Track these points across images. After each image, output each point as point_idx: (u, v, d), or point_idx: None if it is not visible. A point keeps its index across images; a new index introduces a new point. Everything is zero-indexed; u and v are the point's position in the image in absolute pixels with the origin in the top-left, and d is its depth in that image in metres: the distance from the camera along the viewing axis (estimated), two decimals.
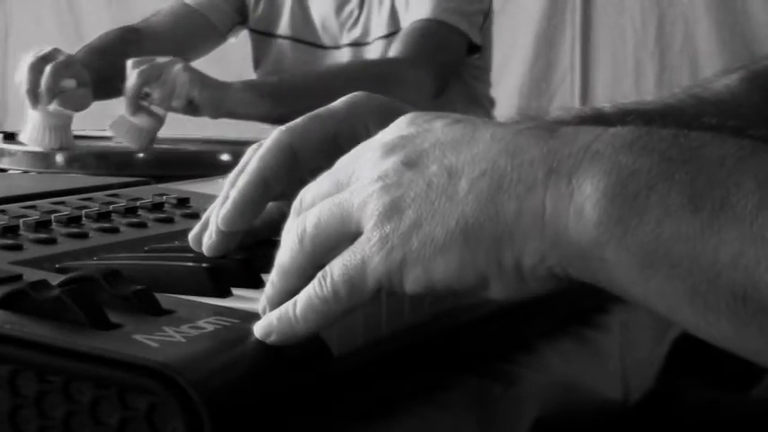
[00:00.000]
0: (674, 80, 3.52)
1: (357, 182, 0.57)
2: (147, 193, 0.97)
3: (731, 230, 0.47)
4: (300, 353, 0.58)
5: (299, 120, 0.72)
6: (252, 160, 0.71)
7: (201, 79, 1.78)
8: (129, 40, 2.10)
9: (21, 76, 1.78)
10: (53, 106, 1.76)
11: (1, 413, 0.52)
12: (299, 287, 0.58)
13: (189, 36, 2.18)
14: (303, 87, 1.90)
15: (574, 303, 0.85)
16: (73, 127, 1.79)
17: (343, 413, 0.59)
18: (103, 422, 0.50)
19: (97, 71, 1.90)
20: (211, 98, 1.77)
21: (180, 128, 1.94)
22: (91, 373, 0.51)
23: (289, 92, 1.87)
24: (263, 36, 2.22)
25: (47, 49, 1.83)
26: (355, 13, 2.12)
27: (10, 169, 1.62)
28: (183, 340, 0.54)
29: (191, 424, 0.49)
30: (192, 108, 1.77)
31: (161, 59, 1.77)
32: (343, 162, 0.59)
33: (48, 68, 1.77)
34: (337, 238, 0.57)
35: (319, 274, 0.57)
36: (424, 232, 0.54)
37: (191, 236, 0.73)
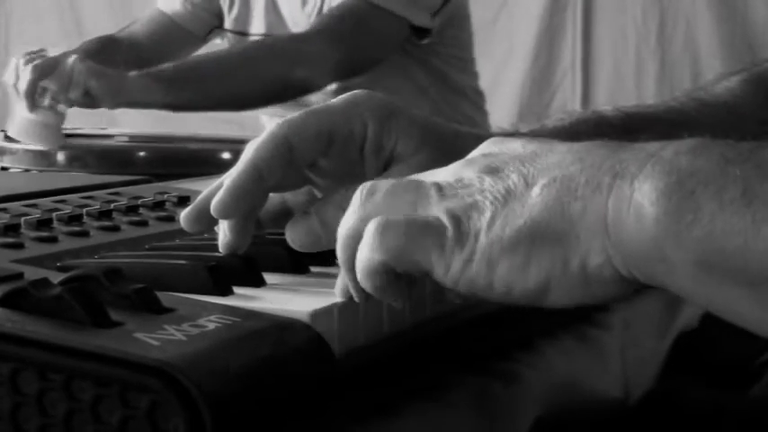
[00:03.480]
0: (675, 78, 3.52)
1: (436, 180, 0.58)
2: (149, 192, 0.97)
3: None
4: (302, 352, 0.58)
5: (296, 114, 0.73)
6: (246, 150, 0.71)
7: (97, 69, 1.77)
8: (104, 48, 2.10)
9: (10, 76, 1.79)
10: (45, 104, 1.76)
11: (2, 411, 0.52)
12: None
13: (166, 44, 2.20)
14: (199, 70, 1.90)
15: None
16: (73, 125, 1.79)
17: (344, 412, 0.59)
18: (104, 420, 0.50)
19: None
20: (108, 87, 1.76)
21: (180, 127, 1.95)
22: (92, 371, 0.51)
23: (185, 76, 1.87)
24: (239, 36, 2.22)
25: (35, 50, 1.85)
26: (318, 3, 2.13)
27: (11, 168, 1.62)
28: (185, 339, 0.54)
29: (192, 422, 0.49)
30: (89, 99, 1.76)
31: (53, 53, 1.77)
32: (432, 173, 0.61)
33: (28, 68, 1.78)
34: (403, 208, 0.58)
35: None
36: (495, 232, 0.55)
37: (182, 215, 0.73)
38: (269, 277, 0.68)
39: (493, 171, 0.57)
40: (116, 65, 1.93)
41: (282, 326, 0.58)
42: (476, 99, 2.26)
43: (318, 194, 0.76)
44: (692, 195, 0.50)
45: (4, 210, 0.84)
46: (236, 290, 0.65)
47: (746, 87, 0.96)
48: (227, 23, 2.23)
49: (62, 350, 0.52)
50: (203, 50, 2.27)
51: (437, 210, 0.57)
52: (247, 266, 0.68)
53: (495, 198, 0.56)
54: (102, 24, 3.81)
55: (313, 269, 0.72)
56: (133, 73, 1.81)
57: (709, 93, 0.96)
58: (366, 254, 0.58)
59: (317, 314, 0.60)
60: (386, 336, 0.64)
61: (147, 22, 2.23)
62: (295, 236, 0.70)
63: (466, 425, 0.67)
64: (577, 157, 0.55)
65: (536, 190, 0.55)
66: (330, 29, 1.97)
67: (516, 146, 0.59)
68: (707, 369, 1.01)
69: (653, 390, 0.91)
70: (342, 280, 0.63)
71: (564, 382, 0.79)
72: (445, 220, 0.56)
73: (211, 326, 0.56)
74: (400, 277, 0.59)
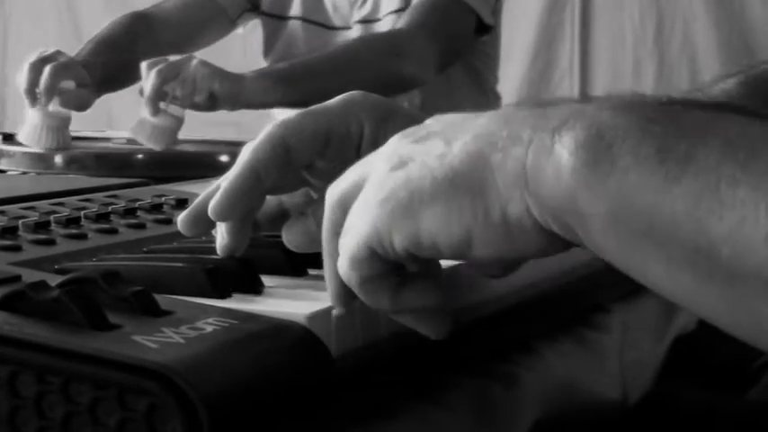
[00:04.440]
0: (672, 79, 3.52)
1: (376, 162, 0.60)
2: (146, 195, 0.97)
3: (690, 181, 0.48)
4: (300, 354, 0.58)
5: (293, 115, 0.73)
6: (243, 152, 0.71)
7: (219, 72, 1.79)
8: (137, 31, 2.11)
9: (21, 76, 1.79)
10: (52, 107, 1.77)
11: (0, 414, 0.52)
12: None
13: (200, 23, 2.20)
14: (312, 69, 1.92)
15: (573, 303, 0.85)
16: (72, 127, 1.79)
17: (342, 414, 0.59)
18: (102, 423, 0.51)
19: (103, 66, 1.92)
20: (231, 90, 1.79)
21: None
22: (90, 373, 0.51)
23: (300, 75, 1.89)
24: (276, 19, 2.23)
25: (49, 50, 1.84)
26: None
27: (9, 170, 1.62)
28: (182, 341, 0.54)
29: (189, 425, 0.49)
30: (212, 102, 1.78)
31: (174, 57, 1.78)
32: (374, 152, 0.62)
33: (47, 69, 1.78)
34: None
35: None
36: (414, 184, 0.56)
37: (179, 219, 0.73)
38: (266, 279, 0.68)
39: (420, 141, 0.58)
40: (151, 45, 1.93)
41: (280, 328, 0.59)
42: (494, 103, 2.27)
43: (315, 196, 0.76)
44: (610, 149, 0.50)
45: (2, 212, 0.84)
46: (234, 292, 0.65)
47: (742, 89, 0.96)
48: (265, 5, 2.24)
49: (60, 353, 0.52)
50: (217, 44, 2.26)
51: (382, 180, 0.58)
52: (245, 269, 0.68)
53: (413, 160, 0.57)
54: (100, 26, 3.79)
55: (310, 271, 0.72)
56: (250, 74, 1.83)
57: (705, 94, 0.96)
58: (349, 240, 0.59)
59: (314, 316, 0.60)
60: (383, 337, 0.64)
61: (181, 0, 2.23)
62: (292, 237, 0.70)
63: (464, 427, 0.67)
64: (502, 118, 0.56)
65: (457, 145, 0.56)
66: (426, 23, 1.99)
67: (450, 116, 0.60)
68: (704, 372, 1.01)
69: (651, 392, 0.91)
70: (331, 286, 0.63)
71: (562, 385, 0.79)
72: (364, 191, 0.58)
73: (209, 328, 0.56)
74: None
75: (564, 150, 0.52)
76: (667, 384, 0.94)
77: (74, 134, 1.79)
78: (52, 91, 1.77)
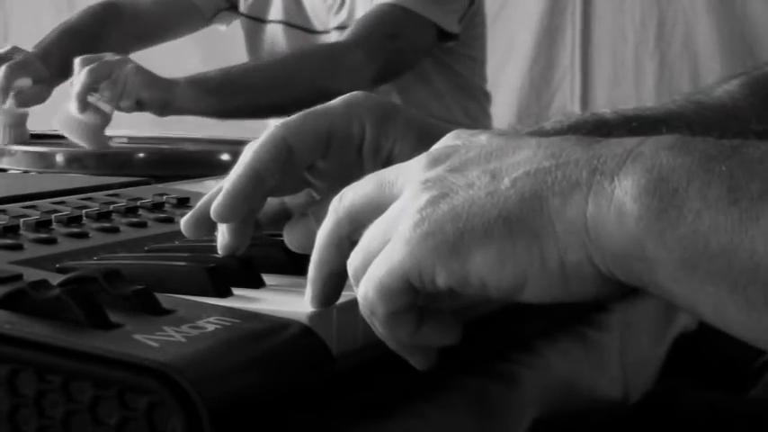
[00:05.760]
0: (673, 80, 3.52)
1: (401, 184, 0.57)
2: (148, 193, 0.97)
3: None
4: (300, 353, 0.58)
5: (295, 116, 0.73)
6: (245, 153, 0.71)
7: (151, 81, 1.79)
8: (105, 19, 2.13)
9: None
10: (8, 105, 1.80)
11: (0, 412, 0.52)
12: (335, 259, 0.59)
13: (171, 17, 2.21)
14: (245, 81, 1.92)
15: (573, 302, 0.85)
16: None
17: (342, 413, 0.59)
18: (103, 422, 0.50)
19: (62, 56, 1.94)
20: (159, 99, 1.79)
21: (179, 128, 1.95)
22: (91, 372, 0.51)
23: (232, 87, 1.89)
24: (256, 22, 2.23)
25: (5, 48, 1.87)
26: None
27: (10, 169, 1.62)
28: (184, 340, 0.54)
29: (190, 424, 0.49)
30: (139, 107, 1.79)
31: (110, 57, 1.78)
32: (390, 168, 0.60)
33: (2, 69, 1.83)
34: (372, 215, 0.58)
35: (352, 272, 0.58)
36: (462, 222, 0.53)
37: (182, 221, 0.73)
38: (267, 278, 0.68)
39: (456, 170, 0.56)
40: (116, 37, 1.94)
41: (281, 327, 0.59)
42: (483, 101, 2.26)
43: (317, 196, 0.76)
44: (676, 192, 0.49)
45: (4, 211, 0.84)
46: (235, 291, 0.65)
47: (745, 91, 0.96)
48: (243, 8, 2.24)
49: (61, 351, 0.52)
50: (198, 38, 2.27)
51: (412, 213, 0.55)
52: (246, 268, 0.68)
53: (456, 191, 0.54)
54: None
55: None
56: (183, 82, 1.84)
57: (708, 96, 0.96)
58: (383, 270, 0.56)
59: (315, 315, 0.60)
60: None
61: None
62: (292, 237, 0.70)
63: (464, 426, 0.67)
64: (549, 152, 0.54)
65: (506, 182, 0.53)
66: (367, 39, 1.98)
67: (481, 139, 0.58)
68: (706, 370, 1.01)
69: (652, 391, 0.91)
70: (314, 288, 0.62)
71: (562, 384, 0.79)
72: (403, 221, 0.55)
73: (210, 327, 0.56)
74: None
75: (626, 197, 0.50)
76: (668, 383, 0.94)
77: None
78: (7, 90, 1.82)
